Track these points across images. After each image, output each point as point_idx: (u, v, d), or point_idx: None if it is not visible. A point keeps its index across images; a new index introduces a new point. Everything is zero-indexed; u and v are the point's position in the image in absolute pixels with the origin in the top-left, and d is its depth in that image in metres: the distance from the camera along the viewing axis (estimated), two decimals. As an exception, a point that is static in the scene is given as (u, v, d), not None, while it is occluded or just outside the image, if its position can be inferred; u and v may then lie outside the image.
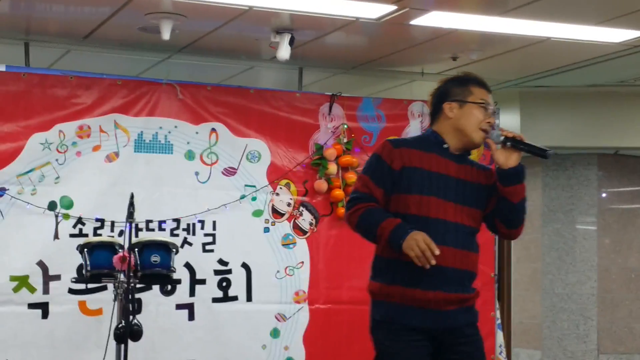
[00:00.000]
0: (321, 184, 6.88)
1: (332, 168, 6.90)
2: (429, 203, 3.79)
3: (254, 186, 6.72)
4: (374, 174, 3.86)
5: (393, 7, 5.74)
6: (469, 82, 3.95)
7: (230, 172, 6.68)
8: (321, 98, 6.99)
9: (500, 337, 7.33)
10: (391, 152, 3.84)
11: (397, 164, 3.82)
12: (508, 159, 3.86)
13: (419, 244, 3.66)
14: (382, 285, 3.90)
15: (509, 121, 8.16)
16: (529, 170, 9.06)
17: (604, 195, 9.00)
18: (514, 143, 3.86)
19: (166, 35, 6.08)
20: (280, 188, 6.81)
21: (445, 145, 3.91)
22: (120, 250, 5.33)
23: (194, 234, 6.54)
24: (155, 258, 5.35)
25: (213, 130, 6.65)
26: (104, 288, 6.12)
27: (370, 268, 4.01)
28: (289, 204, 6.81)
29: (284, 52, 6.32)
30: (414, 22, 6.06)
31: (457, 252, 3.80)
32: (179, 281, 5.86)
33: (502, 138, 3.85)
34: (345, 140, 6.98)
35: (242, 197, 6.67)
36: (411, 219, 3.77)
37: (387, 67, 7.40)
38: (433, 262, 3.66)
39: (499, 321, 7.36)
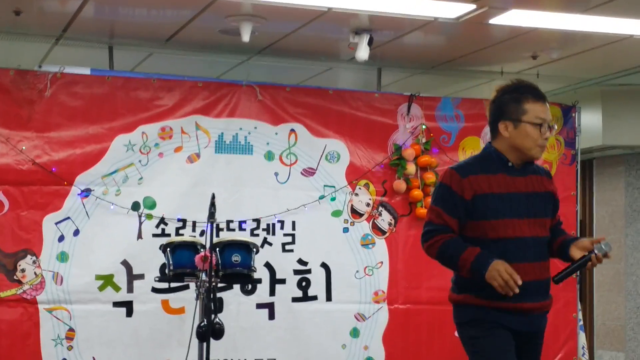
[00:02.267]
0: (400, 184, 6.87)
1: (411, 168, 6.88)
2: (505, 225, 3.87)
3: (333, 186, 6.75)
4: (445, 205, 3.93)
5: (472, 6, 5.71)
6: (523, 98, 3.93)
7: (309, 172, 6.72)
8: (400, 98, 6.99)
9: (582, 338, 7.27)
10: (460, 182, 3.91)
11: (468, 194, 3.89)
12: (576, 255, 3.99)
13: (502, 275, 3.76)
14: (467, 296, 3.98)
15: (591, 120, 8.07)
16: (610, 170, 8.91)
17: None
18: (577, 269, 3.98)
19: (246, 37, 6.12)
20: (359, 188, 6.82)
21: (509, 164, 3.97)
22: (202, 250, 5.40)
23: (273, 234, 6.58)
24: (236, 258, 5.40)
25: (292, 130, 6.70)
26: (186, 287, 6.20)
27: (452, 282, 4.08)
28: (367, 204, 6.82)
29: (362, 52, 6.33)
30: (493, 21, 6.02)
31: (535, 265, 3.91)
32: (259, 280, 5.91)
33: (603, 251, 3.94)
34: (423, 140, 6.98)
35: (321, 197, 6.70)
36: (490, 243, 3.86)
37: (466, 67, 7.36)
38: (517, 290, 3.77)
39: (581, 322, 7.30)
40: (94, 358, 6.18)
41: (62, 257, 6.14)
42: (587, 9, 5.78)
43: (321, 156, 6.73)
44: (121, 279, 6.23)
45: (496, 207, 3.87)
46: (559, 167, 7.26)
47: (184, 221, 6.36)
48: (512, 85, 3.98)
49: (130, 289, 6.24)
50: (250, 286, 6.44)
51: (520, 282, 3.75)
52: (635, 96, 8.16)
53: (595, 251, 3.90)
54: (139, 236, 6.29)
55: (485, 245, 3.85)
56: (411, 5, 5.74)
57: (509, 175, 3.94)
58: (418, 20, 6.03)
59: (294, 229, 6.64)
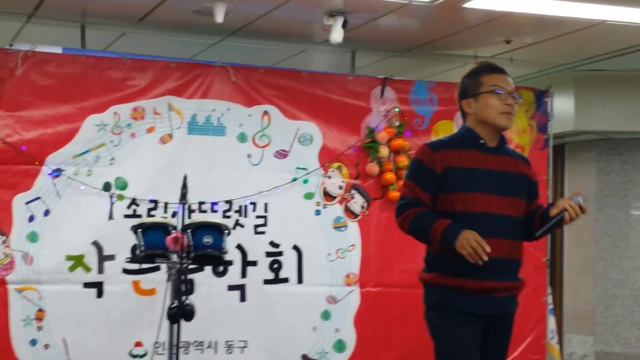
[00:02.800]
0: (373, 167, 6.87)
1: (384, 151, 6.88)
2: (473, 199, 3.92)
3: (306, 169, 6.75)
4: (418, 179, 4.00)
5: (446, -10, 5.69)
6: (478, 72, 4.04)
7: (282, 154, 6.71)
8: (373, 81, 6.98)
9: (552, 322, 7.32)
10: (432, 156, 3.98)
11: (439, 167, 3.96)
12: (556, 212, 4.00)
13: (471, 243, 3.82)
14: (435, 276, 4.03)
15: (563, 105, 8.10)
16: (582, 155, 8.94)
17: (659, 180, 8.84)
18: (556, 224, 3.97)
19: (220, 18, 6.11)
20: (332, 171, 6.83)
21: (481, 141, 4.02)
22: (173, 231, 5.37)
23: (245, 216, 6.58)
24: (207, 239, 5.38)
25: (265, 112, 6.68)
26: (157, 268, 6.18)
27: (423, 262, 4.13)
28: (340, 187, 6.82)
29: (336, 35, 6.32)
30: (467, 4, 6.04)
31: (504, 242, 3.92)
32: (230, 262, 5.90)
33: (577, 204, 3.95)
34: (397, 123, 6.98)
35: (294, 179, 6.70)
36: (458, 216, 3.90)
37: (439, 51, 7.38)
38: (485, 258, 3.81)
39: (550, 306, 7.34)
40: (64, 339, 6.15)
41: (32, 237, 6.11)
42: (561, -6, 5.76)
43: (294, 138, 6.72)
44: (92, 260, 6.20)
45: (466, 181, 3.93)
46: (531, 151, 7.27)
47: (155, 202, 6.35)
48: (471, 69, 4.10)
49: (100, 270, 6.23)
50: (221, 268, 6.44)
51: (488, 249, 3.78)
52: (607, 82, 8.21)
53: (572, 202, 3.93)
54: (110, 217, 6.27)
55: (454, 218, 3.90)
56: (386, -12, 5.70)
57: (481, 152, 4.00)
58: (393, 3, 6.02)
59: (266, 211, 6.63)
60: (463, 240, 3.81)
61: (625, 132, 8.49)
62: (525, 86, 7.39)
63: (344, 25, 6.31)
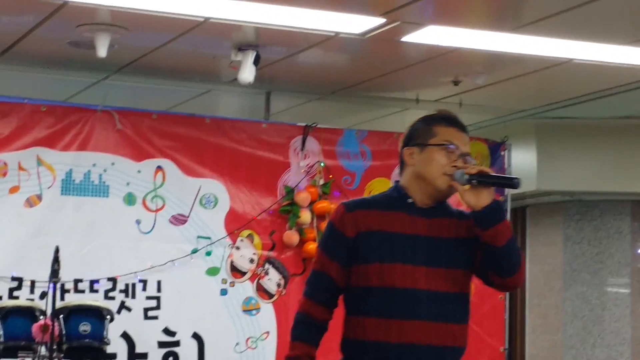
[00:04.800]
0: (291, 236, 6.88)
1: (305, 216, 6.90)
2: (392, 271, 3.91)
3: (209, 238, 6.74)
4: (326, 245, 4.02)
5: (381, 20, 5.77)
6: (434, 121, 4.03)
7: (179, 220, 6.72)
8: (293, 130, 7.02)
9: None
10: (343, 217, 3.98)
11: (352, 230, 3.96)
12: (479, 199, 3.94)
13: None
14: None
15: (523, 160, 8.19)
16: (547, 221, 8.97)
17: (639, 251, 8.97)
18: (480, 179, 3.95)
19: (102, 51, 6.12)
20: (242, 240, 6.84)
21: (409, 200, 4.01)
22: (41, 317, 5.29)
23: (134, 296, 6.55)
24: (84, 327, 5.33)
25: (159, 168, 6.70)
26: (21, 364, 6.04)
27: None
28: (251, 261, 6.82)
29: (247, 73, 6.37)
30: (406, 38, 6.09)
31: (431, 325, 3.91)
32: (114, 356, 5.88)
33: (466, 177, 3.93)
34: (321, 182, 7.02)
35: (194, 251, 6.70)
36: (374, 293, 3.90)
37: (374, 93, 7.45)
38: None
39: (510, 406, 7.38)
40: None
41: None
42: (518, 26, 5.88)
43: (195, 200, 6.74)
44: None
45: (383, 248, 3.92)
46: None
47: (19, 280, 6.28)
48: (430, 114, 4.09)
49: (-52, 366, 6.09)
50: (102, 362, 6.32)
51: None
52: (575, 132, 8.34)
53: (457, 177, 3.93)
54: (-38, 299, 6.15)
55: (369, 295, 3.90)
56: (307, 17, 5.76)
57: (408, 214, 3.99)
58: (315, 35, 6.07)
59: (159, 290, 6.62)
60: None
61: (597, 192, 8.61)
62: (478, 136, 7.49)
63: (256, 62, 6.35)
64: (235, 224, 6.81)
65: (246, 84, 6.42)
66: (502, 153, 7.54)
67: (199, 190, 6.76)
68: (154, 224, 6.64)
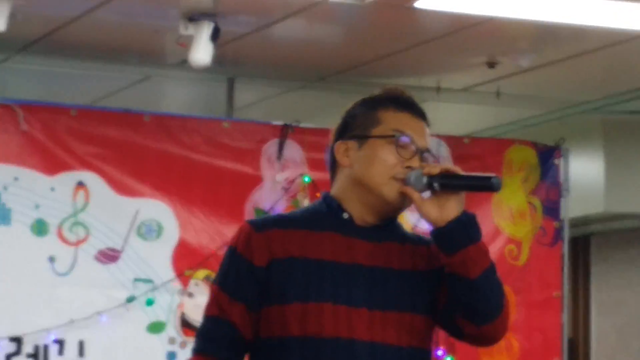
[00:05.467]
0: (265, 278, 6.42)
1: (284, 250, 6.46)
2: (320, 314, 3.61)
3: (151, 281, 6.57)
4: (226, 280, 3.71)
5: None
6: (378, 103, 3.79)
7: (109, 256, 6.52)
8: (265, 130, 6.88)
9: None
10: (250, 239, 3.67)
11: (261, 258, 3.62)
12: (443, 210, 3.65)
13: None
14: None
15: (586, 171, 8.04)
16: (619, 255, 8.58)
17: None
18: (444, 181, 3.66)
19: (0, 23, 5.97)
20: (196, 285, 6.66)
21: (344, 216, 3.73)
22: None
23: (46, 362, 6.75)
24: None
25: (80, 185, 6.50)
26: None
27: None
28: (209, 312, 6.38)
29: (202, 52, 6.25)
30: (421, 3, 6.00)
31: None
32: None
33: (425, 180, 3.63)
34: (306, 202, 6.86)
35: (130, 299, 6.50)
36: (293, 346, 3.62)
37: (377, 79, 7.27)
38: None
39: None
40: None
41: None
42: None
43: (130, 229, 6.55)
44: None
45: (307, 283, 3.64)
46: (533, 248, 7.12)
47: None
48: (372, 95, 3.85)
49: None
50: None
51: None
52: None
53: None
54: None
55: (287, 350, 3.63)
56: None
57: (342, 235, 3.69)
58: (296, 0, 6.08)
59: (81, 354, 6.40)
60: None
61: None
62: (522, 139, 7.37)
63: (214, 37, 6.23)
64: (187, 262, 6.63)
65: (200, 67, 6.36)
66: (556, 162, 7.27)
67: (137, 214, 6.59)
68: (74, 262, 6.43)
